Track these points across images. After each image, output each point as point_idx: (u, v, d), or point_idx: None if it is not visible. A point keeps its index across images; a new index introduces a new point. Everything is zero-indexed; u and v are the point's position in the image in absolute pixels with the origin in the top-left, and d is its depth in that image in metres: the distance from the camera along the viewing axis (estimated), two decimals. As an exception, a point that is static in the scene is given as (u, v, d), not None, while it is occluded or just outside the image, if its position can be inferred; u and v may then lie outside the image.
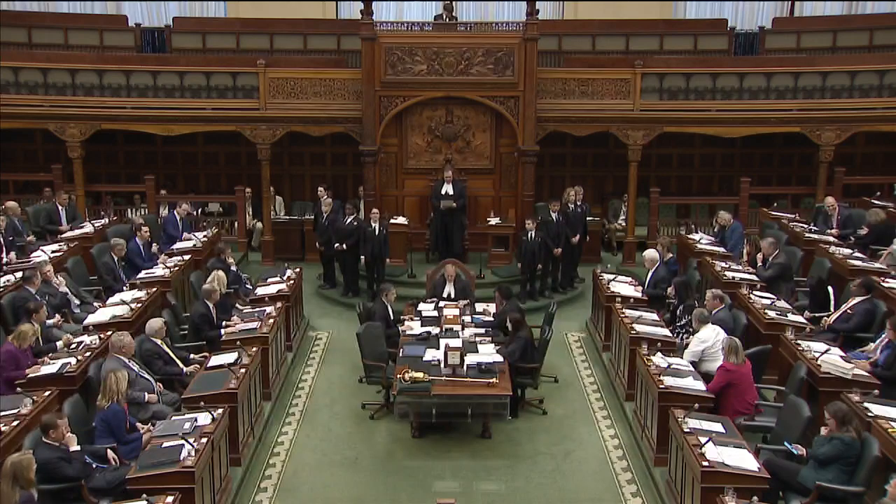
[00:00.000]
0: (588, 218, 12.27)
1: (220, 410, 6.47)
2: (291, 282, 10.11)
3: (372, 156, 12.42)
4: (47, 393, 6.61)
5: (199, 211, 13.89)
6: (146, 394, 7.03)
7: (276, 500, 6.86)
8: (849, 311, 8.38)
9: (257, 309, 9.06)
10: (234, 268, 10.41)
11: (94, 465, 5.91)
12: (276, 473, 7.25)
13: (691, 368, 7.45)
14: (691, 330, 8.78)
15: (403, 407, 7.79)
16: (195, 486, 5.65)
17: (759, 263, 10.05)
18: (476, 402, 7.56)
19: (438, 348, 8.07)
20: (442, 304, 9.61)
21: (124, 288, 9.52)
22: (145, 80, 12.88)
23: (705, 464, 5.69)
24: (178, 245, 11.24)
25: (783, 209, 12.76)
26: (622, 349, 8.65)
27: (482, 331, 8.86)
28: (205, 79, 12.90)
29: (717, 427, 6.25)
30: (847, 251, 10.10)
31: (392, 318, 9.23)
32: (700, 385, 7.06)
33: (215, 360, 7.63)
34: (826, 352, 7.30)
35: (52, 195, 12.42)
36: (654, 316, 8.89)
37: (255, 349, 7.82)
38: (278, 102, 12.68)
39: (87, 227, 11.47)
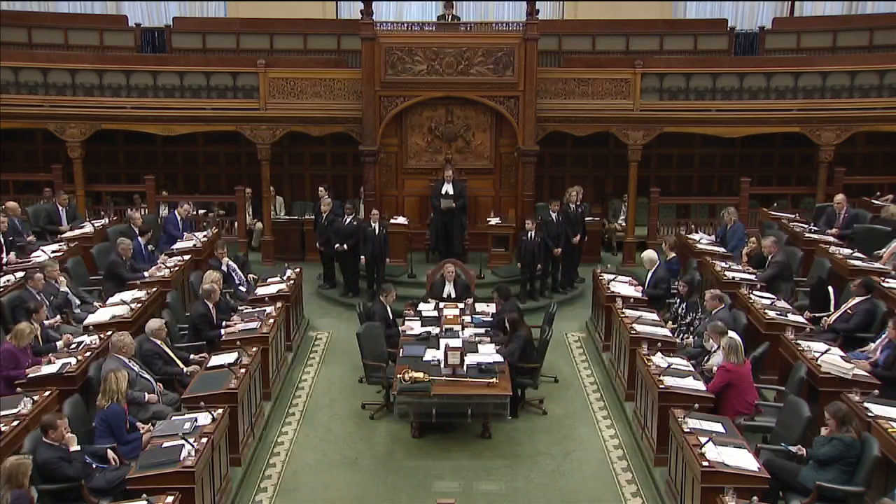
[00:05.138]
0: (588, 218, 12.27)
1: (220, 410, 6.47)
2: (291, 282, 10.11)
3: (372, 156, 12.42)
4: (47, 393, 6.61)
5: (204, 212, 13.84)
6: (146, 394, 7.03)
7: (276, 500, 6.87)
8: (849, 311, 8.38)
9: (257, 309, 9.06)
10: (225, 268, 10.26)
11: (94, 465, 5.91)
12: (276, 473, 7.25)
13: (691, 368, 7.46)
14: (695, 319, 8.80)
15: (403, 407, 7.79)
16: (195, 486, 5.65)
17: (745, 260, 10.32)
18: (476, 402, 7.56)
19: (438, 348, 8.07)
20: (442, 304, 9.61)
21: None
22: (145, 80, 12.88)
23: (705, 464, 5.69)
24: (178, 245, 11.24)
25: (783, 209, 12.76)
26: (622, 349, 8.65)
27: (482, 331, 8.86)
28: (205, 79, 12.89)
29: (717, 427, 6.25)
30: (847, 251, 10.09)
31: (391, 318, 9.23)
32: (700, 385, 7.06)
33: (215, 360, 7.64)
34: (826, 352, 7.30)
35: (52, 195, 12.43)
36: (654, 316, 8.90)
37: (255, 349, 7.83)
38: (278, 102, 12.68)
39: (87, 227, 11.47)
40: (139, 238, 10.82)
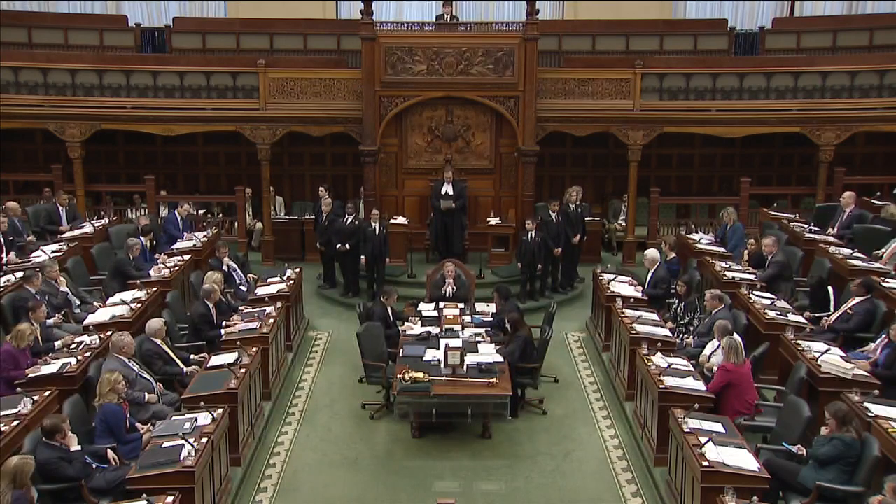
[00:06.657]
0: (588, 218, 12.27)
1: (220, 410, 6.47)
2: (291, 282, 10.11)
3: (372, 156, 12.42)
4: (47, 393, 6.61)
5: (204, 212, 13.84)
6: (146, 394, 7.03)
7: (276, 500, 6.87)
8: (849, 311, 8.38)
9: (257, 309, 9.06)
10: (225, 268, 10.25)
11: (94, 465, 5.91)
12: (276, 473, 7.25)
13: (691, 368, 7.46)
14: (694, 319, 8.80)
15: (403, 407, 7.79)
16: (195, 486, 5.65)
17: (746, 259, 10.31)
18: (476, 402, 7.56)
19: (438, 348, 8.07)
20: (442, 304, 9.61)
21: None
22: (145, 80, 12.88)
23: (705, 464, 5.69)
24: (178, 245, 11.24)
25: (783, 209, 12.76)
26: (622, 349, 8.65)
27: (482, 331, 8.86)
28: (205, 79, 12.90)
29: (717, 427, 6.25)
30: (847, 251, 10.09)
31: (391, 318, 9.23)
32: (700, 385, 7.06)
33: (215, 360, 7.64)
34: (826, 352, 7.30)
35: (52, 195, 12.42)
36: (654, 316, 8.90)
37: (255, 349, 7.83)
38: (278, 102, 12.68)
39: (87, 227, 11.48)
40: (142, 238, 10.82)
